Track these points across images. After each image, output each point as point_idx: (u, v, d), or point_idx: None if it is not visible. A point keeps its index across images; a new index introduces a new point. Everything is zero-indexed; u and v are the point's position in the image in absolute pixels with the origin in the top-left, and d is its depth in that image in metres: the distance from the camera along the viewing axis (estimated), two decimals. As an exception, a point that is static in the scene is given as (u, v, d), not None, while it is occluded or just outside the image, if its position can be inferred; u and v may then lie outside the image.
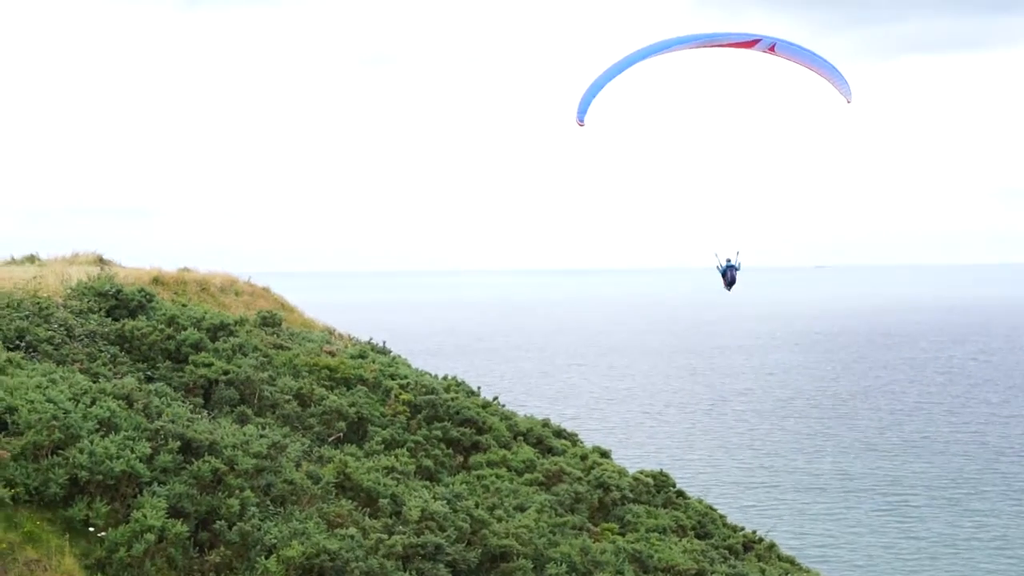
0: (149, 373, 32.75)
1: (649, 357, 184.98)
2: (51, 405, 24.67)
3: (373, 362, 40.76)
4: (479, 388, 44.57)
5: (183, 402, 30.38)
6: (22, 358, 29.27)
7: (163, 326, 35.10)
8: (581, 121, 27.24)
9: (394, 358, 44.77)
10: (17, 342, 30.77)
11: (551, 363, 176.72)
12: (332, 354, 39.90)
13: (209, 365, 33.53)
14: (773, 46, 27.98)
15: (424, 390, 38.57)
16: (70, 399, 25.67)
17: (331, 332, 47.08)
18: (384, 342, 48.33)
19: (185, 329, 35.32)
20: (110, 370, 31.38)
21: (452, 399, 38.56)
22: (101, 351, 32.67)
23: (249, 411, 32.12)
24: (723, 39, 28.07)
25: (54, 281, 37.71)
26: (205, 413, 30.44)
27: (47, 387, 26.13)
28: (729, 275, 31.66)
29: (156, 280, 43.59)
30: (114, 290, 36.93)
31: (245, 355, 35.78)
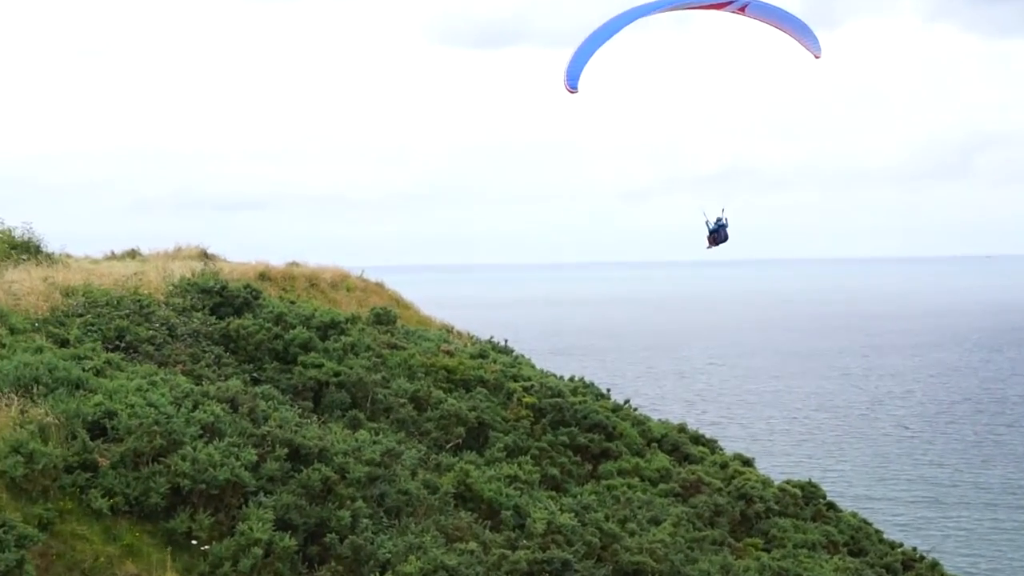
0: (255, 375, 33.19)
1: (794, 357, 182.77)
2: (152, 409, 25.12)
3: (494, 362, 40.80)
4: (609, 390, 44.39)
5: (291, 406, 30.72)
6: (122, 359, 29.88)
7: (270, 324, 35.54)
8: (574, 88, 27.98)
9: (517, 358, 44.78)
10: (117, 342, 31.41)
11: (687, 363, 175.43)
12: (450, 354, 40.01)
13: (319, 366, 33.87)
14: (744, 6, 29.58)
15: (549, 393, 38.51)
16: (172, 403, 26.11)
17: (449, 330, 47.23)
18: (506, 340, 48.34)
19: (293, 328, 35.73)
20: (214, 372, 31.87)
21: (580, 402, 38.45)
22: (205, 351, 33.19)
23: (361, 415, 32.36)
24: (699, 1, 29.71)
25: (156, 277, 38.41)
26: (315, 418, 30.76)
27: (148, 390, 26.61)
28: (723, 233, 32.52)
29: (263, 275, 44.16)
30: (218, 286, 37.50)
31: (357, 355, 36.06)
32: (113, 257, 49.43)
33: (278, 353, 34.57)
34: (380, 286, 50.52)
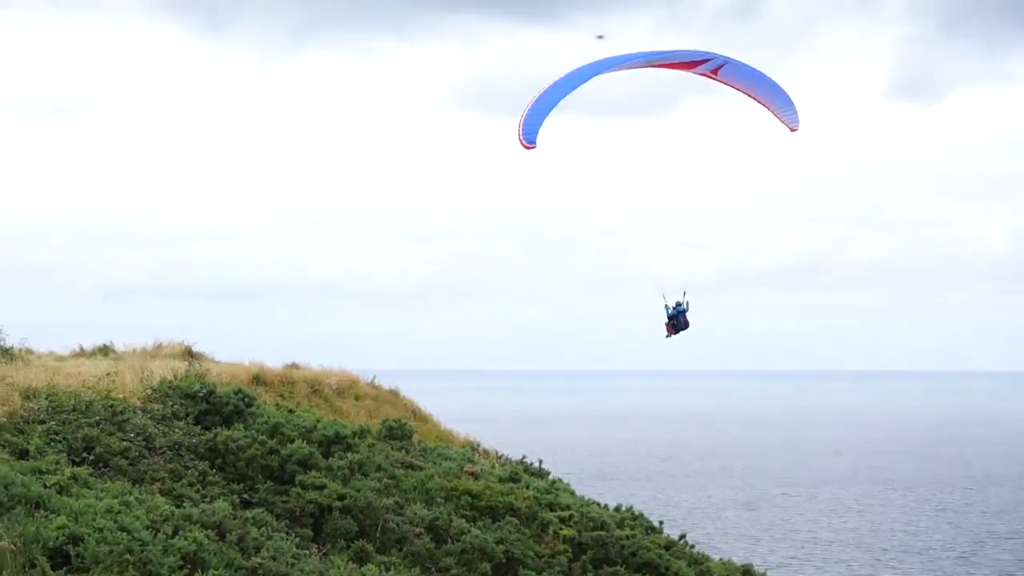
0: (246, 496, 33.08)
1: (878, 487, 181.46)
2: (124, 535, 25.01)
3: (527, 487, 40.60)
4: (661, 523, 44.06)
5: (287, 534, 30.55)
6: (90, 474, 29.83)
7: (264, 437, 35.47)
8: (531, 143, 28.62)
9: (553, 482, 44.55)
10: (85, 454, 31.39)
11: (752, 492, 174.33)
12: (475, 476, 39.85)
13: (321, 488, 33.72)
14: (719, 67, 30.69)
15: (591, 524, 38.24)
16: (148, 527, 26.00)
17: (474, 447, 47.12)
18: (540, 461, 48.17)
19: (292, 442, 35.65)
20: (198, 492, 31.77)
21: (627, 537, 38.15)
22: (187, 467, 33.12)
23: (370, 547, 32.16)
24: (672, 58, 30.82)
25: (131, 379, 38.49)
26: (314, 548, 30.58)
27: (120, 512, 26.52)
28: (682, 319, 33.42)
29: (257, 379, 44.25)
30: (205, 391, 37.52)
31: (366, 476, 35.93)
32: (82, 353, 49.69)
33: (273, 471, 34.44)
34: (394, 394, 50.57)
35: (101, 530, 25.03)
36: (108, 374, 38.12)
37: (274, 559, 26.43)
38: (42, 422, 32.47)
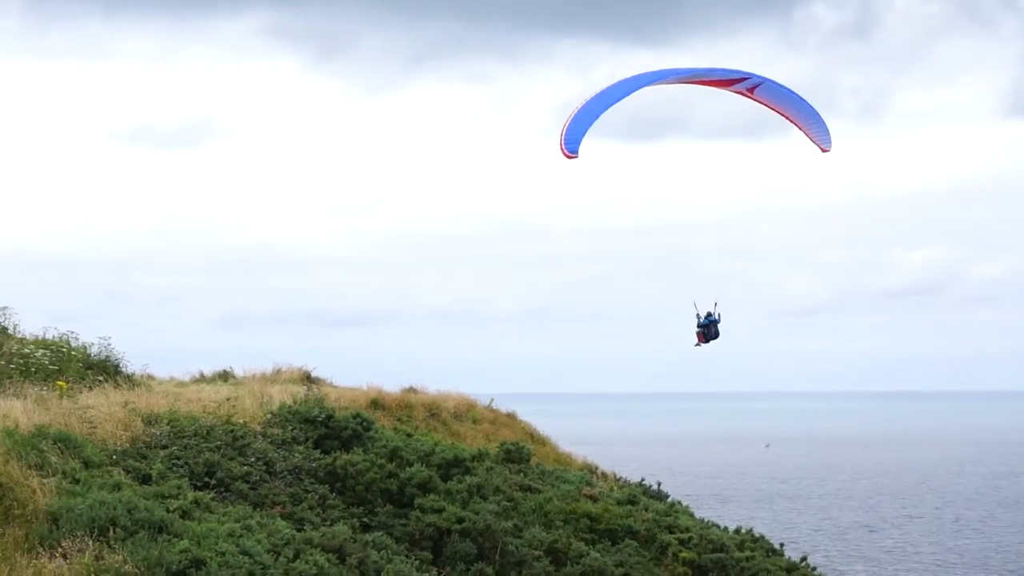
0: (365, 520, 33.25)
1: (1002, 509, 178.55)
2: (246, 558, 25.25)
3: (646, 509, 40.43)
4: (782, 545, 43.67)
5: (407, 557, 30.68)
6: (212, 499, 30.14)
7: (383, 461, 35.63)
8: (573, 152, 28.99)
9: (672, 505, 44.32)
10: (207, 479, 31.71)
11: (874, 514, 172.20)
12: (594, 499, 39.74)
13: (439, 511, 33.81)
14: (756, 87, 31.31)
15: (710, 547, 38.02)
16: (269, 551, 26.24)
17: (592, 470, 46.94)
18: (659, 484, 47.92)
19: (410, 465, 35.78)
20: (318, 515, 31.98)
21: (747, 559, 37.89)
22: (307, 491, 33.35)
23: (489, 570, 32.19)
24: (711, 75, 31.64)
25: (251, 404, 38.79)
26: (435, 571, 30.67)
27: (241, 535, 26.78)
28: (713, 329, 34.07)
29: (375, 403, 44.40)
30: (324, 416, 37.74)
31: (485, 499, 35.95)
32: (202, 379, 50.11)
33: (392, 495, 34.60)
34: (512, 417, 50.51)
35: (223, 554, 25.28)
36: (228, 399, 38.42)
37: (394, 582, 26.52)
38: (164, 447, 32.86)
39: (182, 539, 26.11)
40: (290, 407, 38.78)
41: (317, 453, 35.83)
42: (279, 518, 30.19)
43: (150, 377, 46.95)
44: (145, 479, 30.54)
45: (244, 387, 43.97)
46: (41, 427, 31.05)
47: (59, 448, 30.26)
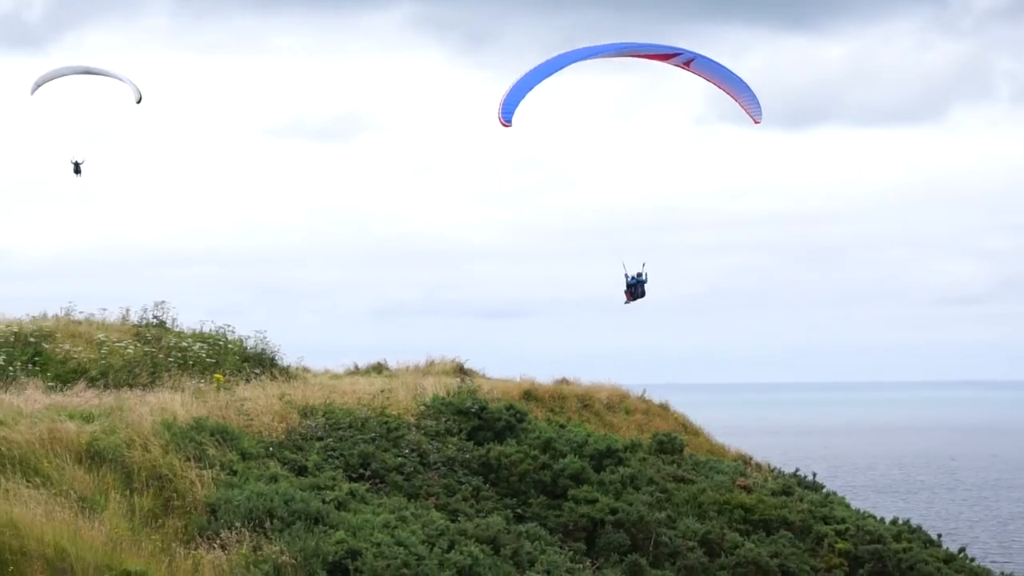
0: (519, 511, 33.29)
1: None
2: (401, 549, 25.40)
3: (800, 500, 40.06)
4: (940, 536, 43.00)
5: (561, 547, 30.68)
6: (367, 490, 30.39)
7: (536, 452, 35.67)
8: (508, 122, 31.18)
9: (828, 495, 43.86)
10: (361, 470, 31.97)
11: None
12: (748, 489, 39.47)
13: (593, 502, 33.77)
14: (690, 61, 32.91)
15: (867, 538, 37.56)
16: (423, 542, 26.37)
17: (746, 461, 46.64)
18: (814, 475, 47.44)
19: (564, 456, 35.77)
20: (472, 506, 32.10)
21: (904, 550, 37.38)
22: (461, 483, 33.49)
23: (643, 561, 32.08)
24: (645, 50, 33.28)
25: (405, 396, 39.03)
26: (588, 562, 30.63)
27: (396, 526, 26.96)
28: (640, 289, 35.42)
29: (528, 394, 44.46)
30: (477, 407, 37.86)
31: (638, 489, 35.86)
32: (356, 371, 50.55)
33: (545, 486, 34.62)
34: (664, 408, 50.31)
35: (379, 544, 25.47)
36: (382, 391, 38.69)
37: (548, 573, 26.57)
38: (320, 439, 33.18)
39: (338, 530, 26.35)
40: (444, 399, 38.96)
41: (471, 444, 35.96)
42: (433, 509, 30.36)
43: (305, 370, 47.47)
44: (301, 471, 30.86)
45: (398, 379, 44.29)
46: (199, 419, 31.52)
47: (217, 440, 30.70)
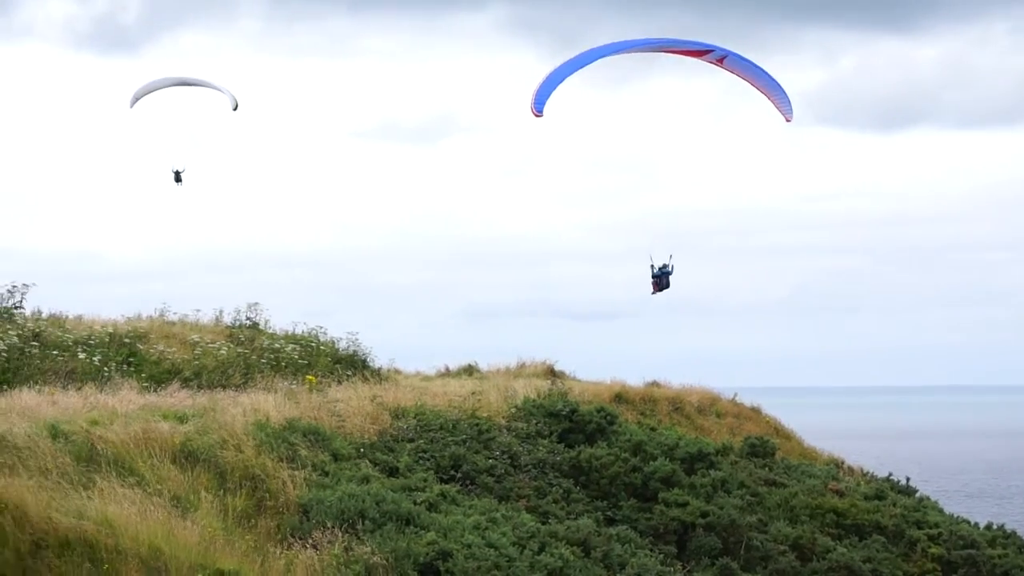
0: (610, 513, 33.27)
1: None
2: (492, 551, 25.44)
3: (894, 504, 39.75)
4: (1036, 542, 42.50)
5: (652, 550, 30.63)
6: (458, 492, 30.47)
7: (627, 455, 35.64)
8: (539, 112, 31.45)
9: (921, 500, 43.49)
10: (453, 472, 32.06)
11: None
12: (840, 493, 39.21)
13: (684, 505, 33.69)
14: (723, 58, 32.96)
15: (961, 543, 37.21)
16: (514, 543, 26.40)
17: (839, 464, 46.33)
18: (907, 479, 47.03)
19: (655, 459, 35.72)
20: (562, 509, 32.11)
21: (999, 556, 37.01)
22: (552, 485, 33.50)
23: (734, 564, 31.96)
24: (677, 45, 33.11)
25: (496, 398, 39.09)
26: (679, 565, 30.55)
27: (487, 528, 27.01)
28: (665, 280, 35.22)
29: (619, 397, 44.39)
30: (568, 409, 37.86)
31: (729, 493, 35.74)
32: (447, 373, 50.68)
33: (636, 488, 34.59)
34: (755, 411, 50.09)
35: (469, 546, 25.52)
36: (473, 393, 38.76)
37: (639, 576, 26.48)
38: (411, 440, 33.30)
39: (429, 531, 26.44)
40: (534, 401, 38.99)
41: (561, 447, 35.97)
42: (524, 511, 30.40)
43: (396, 371, 47.66)
44: (392, 472, 30.98)
45: (488, 381, 44.36)
46: (292, 420, 31.72)
47: (309, 441, 30.88)
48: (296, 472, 29.25)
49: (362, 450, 31.87)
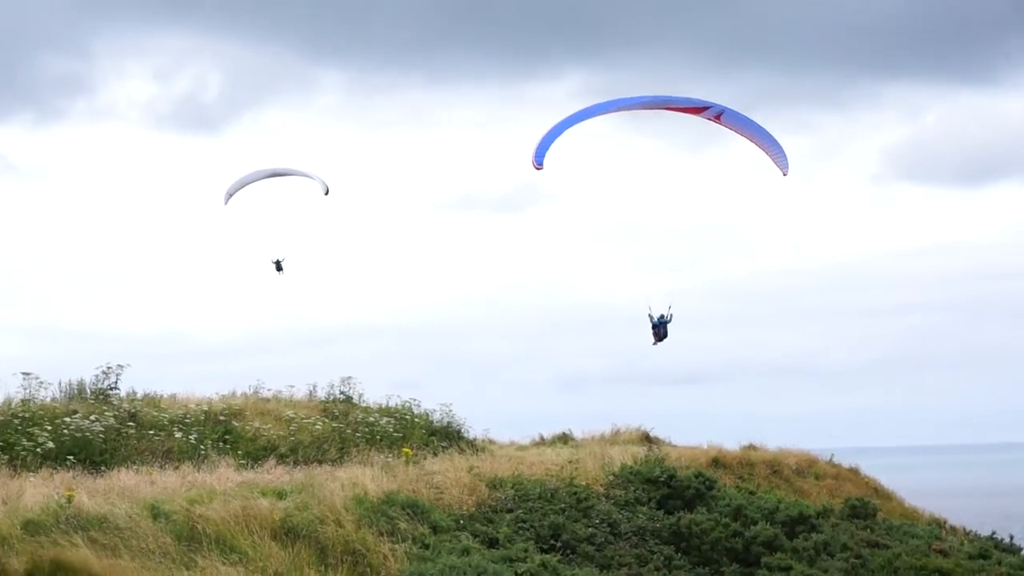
0: (712, 580, 33.06)
1: None
2: (596, 620, 25.28)
3: (999, 563, 39.27)
4: None
5: (756, 616, 30.37)
6: (558, 561, 30.34)
7: (727, 520, 35.44)
8: (540, 165, 32.64)
9: (1027, 559, 42.93)
10: (552, 541, 31.94)
11: None
12: (944, 553, 38.78)
13: (787, 569, 33.45)
14: (720, 114, 33.45)
15: (1073, 602, 36.65)
16: (618, 613, 26.23)
17: (941, 524, 45.87)
18: (1011, 537, 46.47)
19: (755, 523, 35.49)
20: (664, 576, 31.92)
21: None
22: (652, 552, 33.33)
23: (840, 629, 31.63)
24: (676, 103, 33.74)
25: (592, 465, 39.02)
26: (784, 631, 30.25)
27: (590, 598, 26.85)
28: (663, 329, 36.09)
29: (715, 461, 44.26)
30: (666, 475, 37.73)
31: (832, 556, 35.46)
32: (542, 442, 50.74)
33: (738, 554, 34.37)
34: (854, 472, 49.76)
35: (573, 616, 25.40)
36: (570, 461, 38.71)
37: (745, 643, 26.27)
38: (510, 511, 33.22)
39: (531, 602, 26.35)
40: (631, 468, 38.87)
41: (660, 513, 35.82)
42: (626, 579, 30.24)
43: (491, 441, 47.74)
44: (492, 543, 30.91)
45: (584, 449, 44.34)
46: (390, 494, 31.73)
47: (408, 514, 30.86)
48: (396, 545, 29.24)
49: (461, 522, 31.83)
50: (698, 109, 33.65)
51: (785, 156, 34.25)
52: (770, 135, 34.10)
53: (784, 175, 34.54)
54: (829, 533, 37.05)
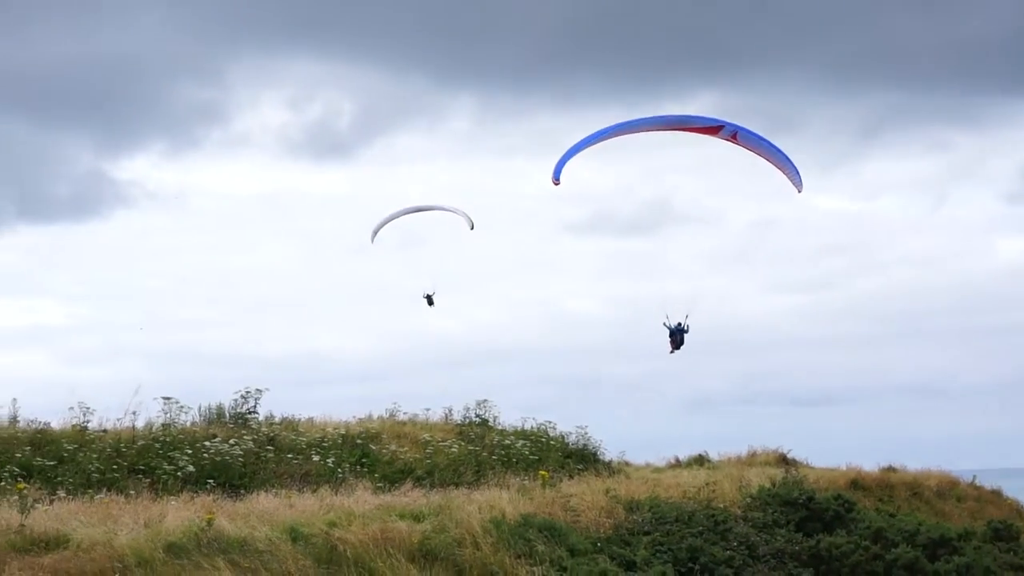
0: (853, 603, 32.67)
1: None
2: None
3: None
4: None
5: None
6: (700, 584, 30.15)
7: (868, 543, 35.02)
8: (557, 180, 34.04)
9: None
10: (690, 564, 31.73)
11: None
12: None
13: (928, 593, 32.99)
14: (735, 134, 33.72)
15: None
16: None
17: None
18: None
19: (896, 546, 35.03)
20: (804, 599, 31.60)
21: None
22: (792, 575, 32.99)
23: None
24: (692, 122, 34.02)
25: (730, 487, 38.74)
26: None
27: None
28: (679, 337, 36.65)
29: (854, 483, 43.80)
30: (804, 497, 37.34)
31: (977, 579, 34.90)
32: (678, 464, 50.53)
33: (879, 576, 33.97)
34: (996, 494, 49.00)
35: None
36: (707, 484, 38.48)
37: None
38: (647, 533, 33.06)
39: (670, 625, 26.17)
40: (769, 490, 38.53)
41: (799, 536, 35.47)
42: (765, 603, 29.97)
43: (626, 464, 47.57)
44: (630, 566, 30.75)
45: (720, 471, 44.08)
46: (527, 516, 31.67)
47: (545, 536, 30.76)
48: (534, 568, 29.16)
49: (598, 544, 31.70)
50: (714, 129, 34.02)
51: (799, 174, 34.59)
52: (784, 154, 34.40)
53: (799, 192, 34.87)
54: (972, 556, 36.41)
